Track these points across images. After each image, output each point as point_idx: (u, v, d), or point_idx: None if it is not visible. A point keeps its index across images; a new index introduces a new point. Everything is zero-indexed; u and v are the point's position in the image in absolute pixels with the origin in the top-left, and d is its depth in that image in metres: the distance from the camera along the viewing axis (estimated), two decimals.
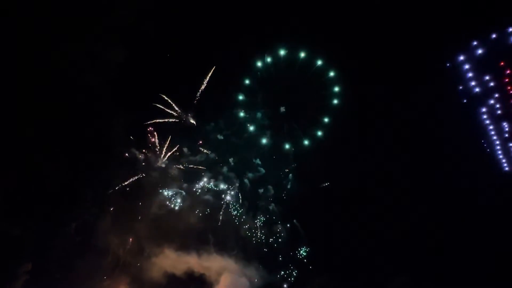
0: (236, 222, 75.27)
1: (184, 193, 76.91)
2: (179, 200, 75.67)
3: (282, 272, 73.16)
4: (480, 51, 63.42)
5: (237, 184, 76.72)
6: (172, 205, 75.16)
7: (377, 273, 70.66)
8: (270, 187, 77.43)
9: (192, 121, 75.11)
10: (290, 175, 78.12)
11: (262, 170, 78.15)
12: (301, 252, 73.94)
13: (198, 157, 77.17)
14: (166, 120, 74.63)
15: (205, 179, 76.11)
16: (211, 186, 76.00)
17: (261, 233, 75.07)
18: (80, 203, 39.59)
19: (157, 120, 73.09)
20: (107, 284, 79.21)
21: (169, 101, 73.60)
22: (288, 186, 77.56)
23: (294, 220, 75.84)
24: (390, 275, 68.96)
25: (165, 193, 75.86)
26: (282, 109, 76.64)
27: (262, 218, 75.92)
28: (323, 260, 73.65)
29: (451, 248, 70.61)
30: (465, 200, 69.09)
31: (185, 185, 77.20)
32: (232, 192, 76.57)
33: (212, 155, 76.61)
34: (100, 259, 77.17)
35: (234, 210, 75.52)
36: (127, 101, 63.33)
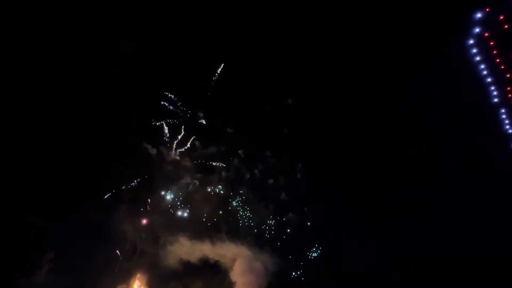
0: (247, 212, 77.03)
1: (197, 183, 79.23)
2: (191, 190, 78.14)
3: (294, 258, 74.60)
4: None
5: (248, 176, 78.46)
6: (185, 196, 77.68)
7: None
8: (280, 176, 78.79)
9: (201, 115, 76.83)
10: (300, 164, 79.40)
11: (273, 161, 79.43)
12: (312, 251, 74.89)
13: (209, 150, 79.28)
14: (177, 111, 76.54)
15: (216, 171, 78.38)
16: (223, 176, 78.35)
17: (272, 221, 76.69)
18: (97, 193, 41.57)
19: (167, 119, 74.95)
20: (127, 270, 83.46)
21: (174, 98, 74.97)
22: (298, 176, 78.97)
23: (305, 208, 77.16)
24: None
25: (179, 183, 78.45)
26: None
27: (273, 206, 77.58)
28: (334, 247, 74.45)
29: None
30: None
31: (198, 175, 79.67)
32: (244, 182, 78.54)
33: (223, 148, 78.45)
34: (118, 248, 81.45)
35: (245, 200, 77.27)
36: (140, 95, 64.91)
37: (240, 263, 72.50)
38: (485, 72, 63.11)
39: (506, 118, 63.23)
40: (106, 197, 48.04)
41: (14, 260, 25.06)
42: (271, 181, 77.79)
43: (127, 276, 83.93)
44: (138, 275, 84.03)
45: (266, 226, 76.56)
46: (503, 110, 63.17)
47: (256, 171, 78.55)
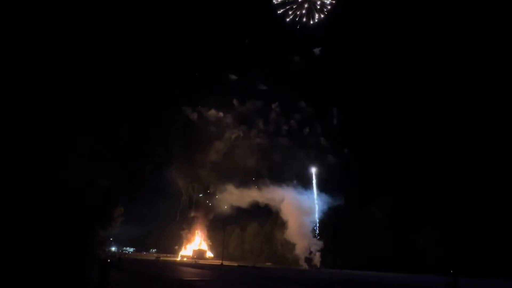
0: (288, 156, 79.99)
1: (241, 134, 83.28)
2: (234, 143, 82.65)
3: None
4: None
5: (286, 127, 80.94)
6: (229, 148, 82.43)
7: None
8: (317, 124, 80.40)
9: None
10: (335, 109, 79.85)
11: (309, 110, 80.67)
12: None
13: (247, 106, 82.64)
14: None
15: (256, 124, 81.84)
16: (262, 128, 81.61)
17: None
18: (149, 149, 45.55)
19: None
20: (187, 218, 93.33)
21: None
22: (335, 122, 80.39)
23: (346, 150, 78.33)
24: None
25: (223, 137, 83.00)
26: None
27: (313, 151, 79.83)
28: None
29: None
30: None
31: (240, 127, 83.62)
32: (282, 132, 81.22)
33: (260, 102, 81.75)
34: (176, 199, 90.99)
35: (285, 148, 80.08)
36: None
37: (288, 204, 76.90)
38: None
39: None
40: (156, 149, 52.31)
41: (93, 216, 30.10)
42: (307, 129, 79.89)
43: (188, 223, 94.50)
44: (198, 222, 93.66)
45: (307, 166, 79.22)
46: None
47: (292, 121, 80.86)
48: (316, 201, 76.91)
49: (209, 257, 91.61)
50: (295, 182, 77.91)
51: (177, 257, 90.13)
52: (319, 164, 79.37)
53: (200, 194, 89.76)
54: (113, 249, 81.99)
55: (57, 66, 24.94)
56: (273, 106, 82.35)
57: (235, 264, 72.02)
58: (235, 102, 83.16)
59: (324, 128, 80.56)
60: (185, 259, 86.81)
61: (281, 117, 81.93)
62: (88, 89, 27.24)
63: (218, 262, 72.42)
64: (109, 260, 29.44)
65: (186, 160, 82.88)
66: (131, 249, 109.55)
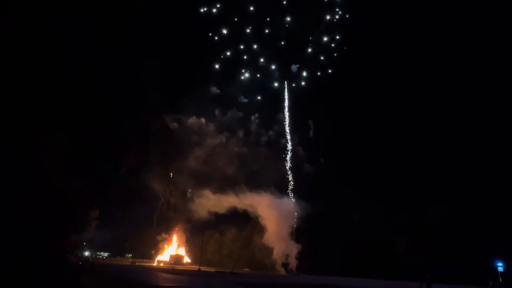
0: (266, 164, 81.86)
1: (223, 141, 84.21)
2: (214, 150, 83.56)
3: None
4: None
5: (265, 138, 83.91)
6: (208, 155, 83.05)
7: None
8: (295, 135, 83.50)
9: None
10: (310, 121, 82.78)
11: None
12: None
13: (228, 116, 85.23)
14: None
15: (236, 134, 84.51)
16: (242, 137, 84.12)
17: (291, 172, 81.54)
18: (125, 149, 44.43)
19: None
20: (164, 223, 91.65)
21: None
22: (311, 134, 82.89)
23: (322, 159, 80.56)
24: None
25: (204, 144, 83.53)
26: None
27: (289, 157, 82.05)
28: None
29: None
30: None
31: (222, 135, 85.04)
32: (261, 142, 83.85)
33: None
34: (154, 204, 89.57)
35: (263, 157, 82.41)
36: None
37: (267, 210, 77.16)
38: None
39: None
40: (133, 151, 51.81)
41: (64, 219, 28.82)
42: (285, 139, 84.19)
43: (165, 228, 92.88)
44: (176, 227, 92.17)
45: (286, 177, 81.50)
46: None
47: (271, 132, 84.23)
48: (294, 208, 77.61)
49: (186, 262, 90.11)
50: (273, 188, 79.17)
51: (154, 262, 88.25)
52: (296, 172, 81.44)
53: (178, 198, 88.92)
54: (86, 253, 79.36)
55: (26, 61, 23.89)
56: (253, 117, 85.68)
57: (213, 269, 71.16)
58: (217, 112, 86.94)
59: (301, 139, 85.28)
60: (161, 264, 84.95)
61: (261, 128, 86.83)
62: (60, 85, 26.22)
63: (195, 267, 71.22)
64: (80, 263, 28.38)
65: (165, 164, 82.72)
66: (106, 254, 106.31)
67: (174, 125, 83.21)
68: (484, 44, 71.60)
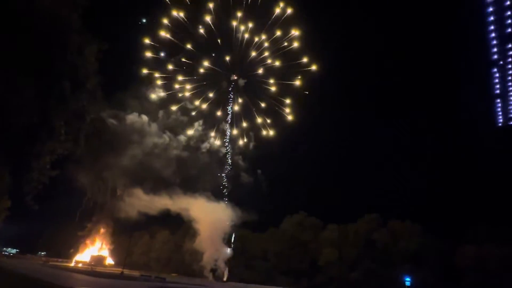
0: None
1: (165, 142, 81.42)
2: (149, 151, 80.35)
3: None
4: None
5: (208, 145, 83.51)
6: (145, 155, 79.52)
7: None
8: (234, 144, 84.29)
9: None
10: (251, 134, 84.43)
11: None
12: None
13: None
14: None
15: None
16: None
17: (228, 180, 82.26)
18: (53, 137, 40.14)
19: None
20: (88, 220, 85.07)
21: None
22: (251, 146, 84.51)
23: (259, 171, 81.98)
24: None
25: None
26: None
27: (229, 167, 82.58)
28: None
29: None
30: None
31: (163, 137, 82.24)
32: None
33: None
34: (79, 199, 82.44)
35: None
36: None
37: (201, 215, 75.67)
38: None
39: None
40: (62, 139, 46.86)
41: None
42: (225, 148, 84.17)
43: (89, 226, 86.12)
44: (101, 225, 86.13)
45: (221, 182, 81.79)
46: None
47: (212, 139, 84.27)
48: (229, 214, 77.30)
49: (109, 264, 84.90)
50: (209, 194, 78.34)
51: (71, 262, 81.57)
52: (234, 181, 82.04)
53: (106, 196, 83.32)
54: None
55: None
56: (196, 124, 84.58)
57: (137, 273, 67.70)
58: (161, 113, 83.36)
59: (240, 149, 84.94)
60: (80, 265, 78.77)
61: (203, 135, 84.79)
62: None
63: (119, 270, 67.23)
64: None
65: (96, 158, 77.07)
66: (14, 250, 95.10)
67: (112, 120, 77.95)
68: None
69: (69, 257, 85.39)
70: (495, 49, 56.25)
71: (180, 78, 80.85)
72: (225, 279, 71.42)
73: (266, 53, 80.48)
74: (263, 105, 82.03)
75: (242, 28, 79.18)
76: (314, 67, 78.70)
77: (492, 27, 55.03)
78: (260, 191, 78.20)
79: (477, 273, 55.13)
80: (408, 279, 53.66)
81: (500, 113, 57.24)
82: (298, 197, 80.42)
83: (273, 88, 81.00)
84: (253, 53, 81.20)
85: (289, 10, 76.88)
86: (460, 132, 71.49)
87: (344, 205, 76.68)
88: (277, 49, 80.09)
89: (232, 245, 75.18)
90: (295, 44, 78.45)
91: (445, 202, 67.59)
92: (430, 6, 74.41)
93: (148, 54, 78.46)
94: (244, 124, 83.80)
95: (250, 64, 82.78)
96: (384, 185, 76.56)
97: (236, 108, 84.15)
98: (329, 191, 79.54)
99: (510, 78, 55.01)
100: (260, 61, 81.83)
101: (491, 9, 54.43)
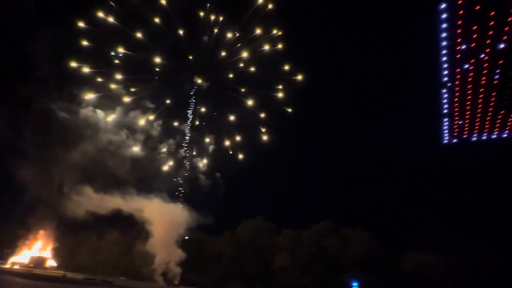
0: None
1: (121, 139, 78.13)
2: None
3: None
4: None
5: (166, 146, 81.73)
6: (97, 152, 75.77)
7: None
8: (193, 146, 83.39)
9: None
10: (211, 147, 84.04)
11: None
12: None
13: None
14: None
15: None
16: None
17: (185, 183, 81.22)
18: None
19: None
20: (29, 217, 79.25)
21: None
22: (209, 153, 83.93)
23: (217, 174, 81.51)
24: None
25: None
26: None
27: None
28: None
29: None
30: None
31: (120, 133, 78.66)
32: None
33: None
34: (20, 195, 76.38)
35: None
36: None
37: (155, 216, 73.54)
38: None
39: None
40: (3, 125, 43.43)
41: None
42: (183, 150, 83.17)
43: (29, 224, 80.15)
44: (43, 224, 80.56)
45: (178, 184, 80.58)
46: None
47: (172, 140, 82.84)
48: (184, 217, 75.96)
49: (50, 266, 79.26)
50: (165, 195, 76.58)
51: (6, 264, 75.60)
52: (191, 183, 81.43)
53: (51, 192, 77.85)
54: None
55: None
56: (155, 124, 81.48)
57: (81, 276, 63.87)
58: (119, 110, 78.25)
59: (199, 151, 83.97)
60: (16, 266, 73.00)
61: (162, 136, 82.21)
62: None
63: (61, 272, 63.84)
64: None
65: (42, 151, 71.86)
66: None
67: (63, 113, 72.78)
68: None
69: (4, 258, 79.18)
70: (445, 72, 61.36)
71: (119, 76, 74.42)
72: (176, 282, 69.83)
73: (241, 55, 74.42)
74: (231, 118, 77.76)
75: (212, 18, 73.32)
76: (299, 77, 72.04)
77: (444, 52, 59.74)
78: (217, 194, 77.87)
79: (418, 279, 59.17)
80: (355, 284, 55.94)
81: (447, 131, 61.98)
82: (257, 202, 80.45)
83: (249, 102, 75.74)
84: (223, 53, 75.82)
85: (270, 6, 69.09)
86: (409, 148, 75.91)
87: (301, 211, 78.74)
88: (253, 50, 73.09)
89: (186, 248, 73.79)
90: (279, 46, 71.52)
91: (392, 212, 72.24)
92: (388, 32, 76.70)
93: (84, 42, 68.09)
94: (207, 140, 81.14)
95: (218, 66, 77.73)
96: (340, 193, 79.28)
97: (203, 110, 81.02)
98: (287, 197, 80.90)
99: (456, 99, 60.03)
100: (231, 63, 76.63)
101: (444, 35, 58.97)
